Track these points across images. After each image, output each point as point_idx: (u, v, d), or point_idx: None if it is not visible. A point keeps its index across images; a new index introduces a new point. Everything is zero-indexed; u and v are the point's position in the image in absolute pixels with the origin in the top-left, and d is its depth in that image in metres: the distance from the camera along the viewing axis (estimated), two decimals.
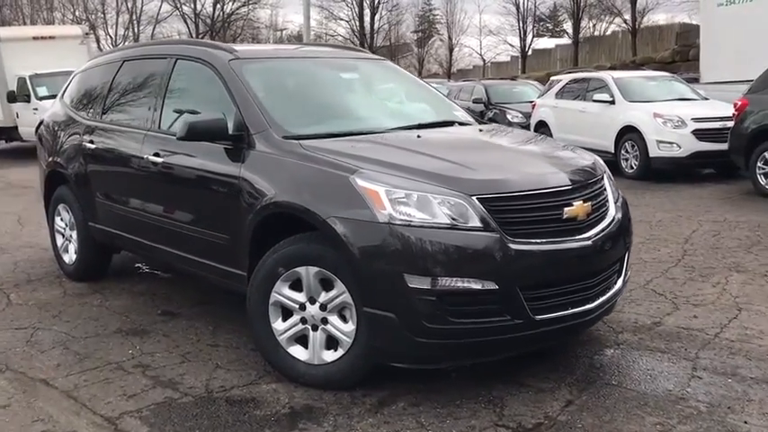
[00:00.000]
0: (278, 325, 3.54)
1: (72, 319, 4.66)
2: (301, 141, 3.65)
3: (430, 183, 3.21)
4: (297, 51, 5.12)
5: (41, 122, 6.02)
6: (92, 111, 5.24)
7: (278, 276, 3.48)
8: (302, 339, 3.52)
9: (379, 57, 5.18)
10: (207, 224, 4.01)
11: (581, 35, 38.78)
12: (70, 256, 5.57)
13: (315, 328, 3.45)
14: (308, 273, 3.40)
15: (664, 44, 33.33)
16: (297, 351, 3.51)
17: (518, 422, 3.08)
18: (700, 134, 10.24)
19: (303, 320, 3.47)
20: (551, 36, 45.96)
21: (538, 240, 3.21)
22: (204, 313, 4.67)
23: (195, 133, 3.80)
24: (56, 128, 5.67)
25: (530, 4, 42.43)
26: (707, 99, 11.79)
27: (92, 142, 5.03)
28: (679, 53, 28.16)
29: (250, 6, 47.41)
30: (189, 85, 4.52)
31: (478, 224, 3.10)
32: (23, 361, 3.95)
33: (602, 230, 3.48)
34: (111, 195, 4.89)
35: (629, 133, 10.95)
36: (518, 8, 42.70)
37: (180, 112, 4.32)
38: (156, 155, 4.32)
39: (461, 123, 4.41)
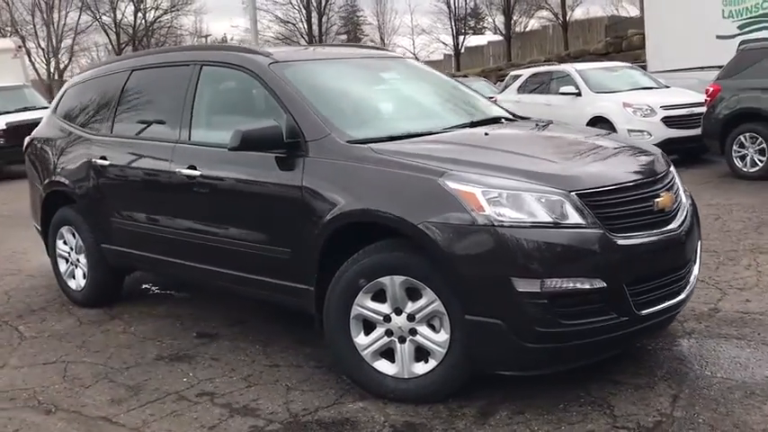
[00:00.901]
0: (360, 339, 3.35)
1: (101, 348, 4.33)
2: (370, 146, 3.46)
3: (525, 180, 3.08)
4: (327, 52, 4.90)
5: (31, 141, 5.62)
6: (99, 125, 4.90)
7: (359, 288, 3.29)
8: (387, 353, 3.34)
9: (398, 54, 5.02)
10: (261, 238, 3.78)
11: (511, 31, 39.38)
12: (78, 282, 5.20)
13: (402, 340, 3.27)
14: (393, 283, 3.22)
15: (594, 36, 34.19)
16: (383, 365, 3.33)
17: (636, 422, 2.99)
18: (669, 121, 10.47)
19: (388, 333, 3.30)
20: (474, 34, 46.58)
21: (636, 234, 3.13)
22: (245, 332, 4.43)
23: (249, 143, 3.57)
24: (53, 145, 5.29)
25: (461, 2, 42.78)
26: (668, 87, 12.07)
27: (104, 158, 4.70)
28: (612, 45, 28.93)
29: (173, 14, 46.39)
30: (221, 93, 4.28)
31: (580, 221, 3.00)
32: (70, 399, 3.63)
33: (684, 219, 3.43)
34: (131, 214, 4.57)
35: (598, 123, 11.08)
36: (449, 6, 43.04)
37: (218, 122, 4.08)
38: (192, 168, 4.05)
39: (507, 119, 4.30)
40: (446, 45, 45.11)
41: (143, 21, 46.26)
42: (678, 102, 10.74)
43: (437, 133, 3.76)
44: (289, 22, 41.05)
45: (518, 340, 2.97)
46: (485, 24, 44.91)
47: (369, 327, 3.35)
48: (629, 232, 3.11)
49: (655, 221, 3.24)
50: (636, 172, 3.34)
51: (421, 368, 3.26)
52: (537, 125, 4.20)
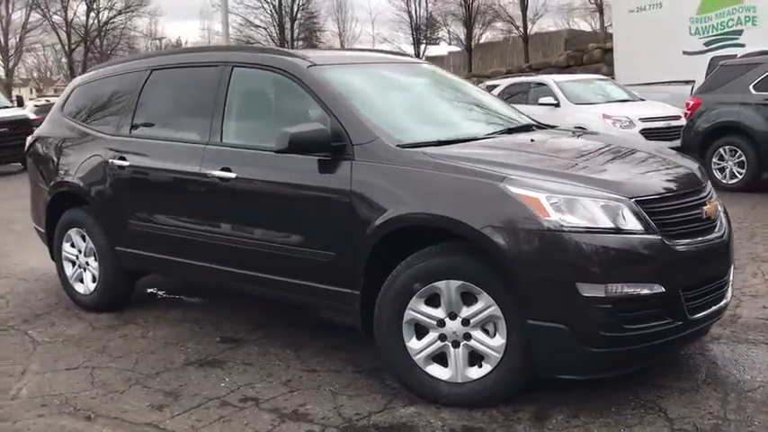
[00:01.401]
0: (413, 344, 3.34)
1: (124, 354, 4.22)
2: (423, 150, 3.47)
3: (585, 186, 3.13)
4: (357, 56, 4.88)
5: (35, 140, 5.45)
6: (115, 125, 4.77)
7: (414, 292, 3.29)
8: (439, 357, 3.34)
9: (420, 60, 5.03)
10: (303, 241, 3.74)
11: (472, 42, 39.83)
12: (87, 286, 5.05)
13: (456, 344, 3.28)
14: (448, 287, 3.23)
15: (553, 49, 34.83)
16: (435, 370, 3.33)
17: (692, 424, 3.06)
18: (647, 133, 10.74)
19: (442, 337, 3.30)
20: (429, 44, 47.03)
21: (689, 240, 3.21)
22: (271, 337, 4.37)
23: (296, 145, 3.54)
24: (61, 145, 5.15)
25: (422, 11, 43.09)
26: (643, 100, 12.38)
27: (123, 159, 4.59)
28: (573, 57, 29.43)
29: (127, 15, 45.60)
30: (256, 95, 4.23)
31: (640, 227, 3.05)
32: (107, 405, 3.53)
33: (725, 226, 3.53)
34: (152, 216, 4.47)
35: None
36: (410, 15, 43.34)
37: (254, 124, 4.04)
38: (226, 170, 3.99)
39: (538, 126, 4.36)
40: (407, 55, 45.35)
41: (96, 21, 45.42)
42: (655, 114, 11.03)
43: (482, 139, 3.79)
44: (260, 26, 40.79)
45: (582, 345, 3.00)
46: (439, 35, 45.46)
47: (421, 331, 3.35)
48: (682, 239, 3.18)
49: (703, 228, 3.32)
50: (685, 181, 3.42)
51: (475, 372, 3.27)
52: (573, 133, 4.27)
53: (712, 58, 12.63)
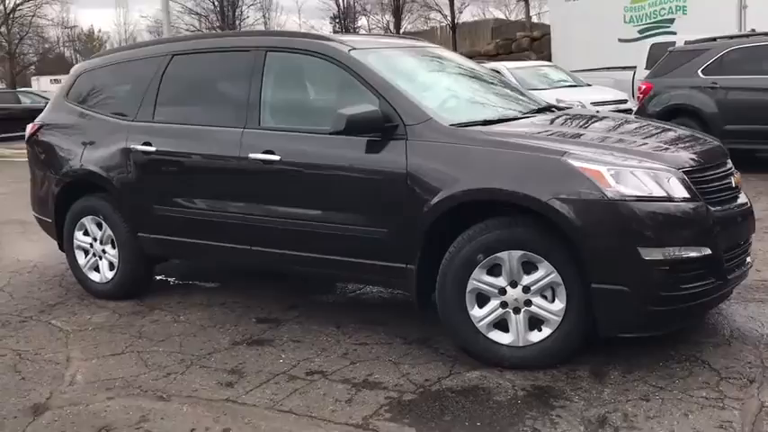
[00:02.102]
0: (476, 312, 3.54)
1: (164, 338, 4.25)
2: (479, 128, 3.66)
3: (638, 159, 3.40)
4: (385, 41, 4.99)
5: (38, 128, 5.33)
6: (134, 111, 4.74)
7: (476, 264, 3.49)
8: (500, 324, 3.55)
9: (430, 44, 5.19)
10: (353, 219, 3.87)
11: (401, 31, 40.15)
12: (103, 275, 5.01)
13: (517, 310, 3.50)
14: (510, 257, 3.44)
15: (481, 38, 35.55)
16: (497, 336, 3.54)
17: (738, 372, 3.38)
18: None
19: (503, 304, 3.51)
20: (347, 32, 47.11)
21: (724, 207, 3.52)
22: (307, 315, 4.48)
23: (352, 126, 3.67)
24: (71, 132, 5.07)
25: (351, 1, 43.07)
26: (589, 85, 12.94)
27: (148, 144, 4.58)
28: (502, 46, 30.17)
29: (35, 2, 43.62)
30: (294, 79, 4.30)
31: (687, 195, 3.34)
32: (174, 385, 3.58)
33: (745, 196, 3.87)
34: (183, 201, 4.49)
35: None
36: (338, 5, 43.29)
37: (295, 107, 4.12)
38: (269, 152, 4.07)
39: (557, 108, 4.61)
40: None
41: (2, 8, 43.29)
42: (605, 98, 11.56)
43: (522, 118, 4.01)
44: (201, 14, 39.80)
45: (642, 304, 3.27)
46: (359, 24, 45.71)
47: (481, 300, 3.55)
48: (719, 205, 3.49)
49: (732, 197, 3.65)
50: (715, 154, 3.74)
51: (536, 336, 3.49)
52: (597, 113, 4.54)
53: (652, 45, 13.29)
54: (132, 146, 4.65)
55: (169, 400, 3.41)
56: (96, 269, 5.07)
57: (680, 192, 3.33)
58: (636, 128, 4.10)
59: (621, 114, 5.20)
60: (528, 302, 3.48)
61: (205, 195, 4.41)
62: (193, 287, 5.28)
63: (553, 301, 3.45)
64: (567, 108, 4.75)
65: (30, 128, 5.43)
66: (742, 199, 3.73)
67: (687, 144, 3.79)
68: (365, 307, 4.69)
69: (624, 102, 11.50)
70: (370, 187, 3.81)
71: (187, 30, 36.63)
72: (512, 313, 3.51)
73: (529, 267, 3.46)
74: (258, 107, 4.21)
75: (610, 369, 3.49)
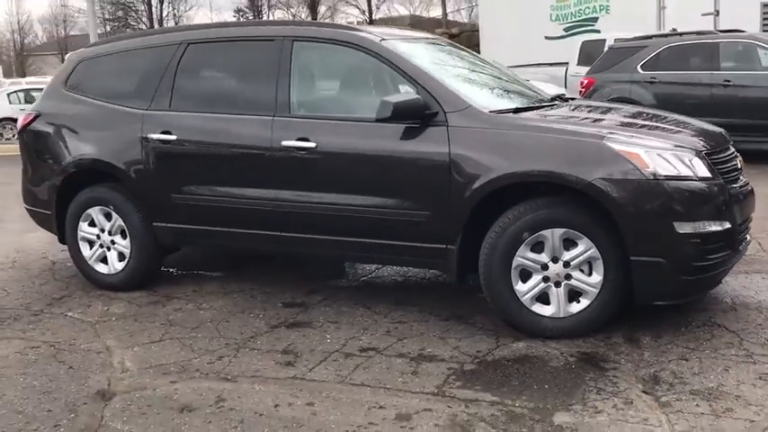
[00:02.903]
0: (520, 287, 3.79)
1: (198, 324, 4.28)
2: (519, 115, 3.91)
3: (667, 142, 3.74)
4: (402, 33, 5.11)
5: (33, 117, 5.19)
6: (147, 100, 4.72)
7: (522, 241, 3.73)
8: (541, 297, 3.81)
9: (437, 36, 5.41)
10: (394, 204, 4.03)
11: None
12: (112, 266, 4.96)
13: (558, 284, 3.77)
14: (553, 235, 3.71)
15: None
16: (539, 308, 3.80)
17: (755, 334, 3.77)
18: None
19: (545, 279, 3.78)
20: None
21: (734, 185, 3.91)
22: (332, 298, 4.62)
23: (398, 113, 3.84)
24: (74, 122, 4.98)
25: None
26: (527, 80, 13.44)
27: (167, 133, 4.58)
28: None
29: None
30: (324, 68, 4.42)
31: (710, 174, 3.70)
32: (232, 367, 3.64)
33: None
34: (206, 189, 4.52)
35: None
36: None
37: (327, 96, 4.24)
38: (303, 139, 4.18)
39: (565, 99, 4.92)
40: None
41: None
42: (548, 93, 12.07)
43: (547, 107, 4.29)
44: (127, 5, 38.24)
45: (676, 274, 3.61)
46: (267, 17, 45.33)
47: (524, 275, 3.81)
48: (732, 184, 3.88)
49: (738, 177, 4.05)
50: (722, 138, 4.14)
51: (575, 307, 3.78)
52: (608, 104, 4.88)
53: (584, 42, 13.99)
54: (149, 135, 4.63)
55: (236, 381, 3.48)
56: (103, 261, 5.01)
57: (702, 171, 3.68)
58: (649, 115, 4.46)
59: (627, 105, 5.56)
60: (568, 276, 3.75)
61: (232, 183, 4.46)
62: (201, 277, 5.29)
63: (590, 274, 3.74)
64: (573, 99, 5.07)
65: (23, 118, 5.28)
66: (744, 180, 4.14)
67: (697, 130, 4.17)
68: (385, 289, 4.87)
69: (563, 96, 12.04)
70: (411, 172, 3.99)
71: (113, 21, 35.31)
72: (553, 287, 3.78)
73: (568, 244, 3.73)
74: (288, 95, 4.30)
75: (640, 335, 3.81)
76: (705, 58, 9.80)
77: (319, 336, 4.02)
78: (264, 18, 43.42)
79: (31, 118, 5.19)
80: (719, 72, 9.53)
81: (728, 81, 9.41)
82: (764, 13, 14.05)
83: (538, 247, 3.76)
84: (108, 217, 4.91)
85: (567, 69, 13.85)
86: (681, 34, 10.36)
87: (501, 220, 3.78)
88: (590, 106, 4.73)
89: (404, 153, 4.00)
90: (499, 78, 4.85)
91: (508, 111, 4.03)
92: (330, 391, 3.32)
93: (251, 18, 45.54)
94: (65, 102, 5.10)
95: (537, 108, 4.25)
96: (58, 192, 5.02)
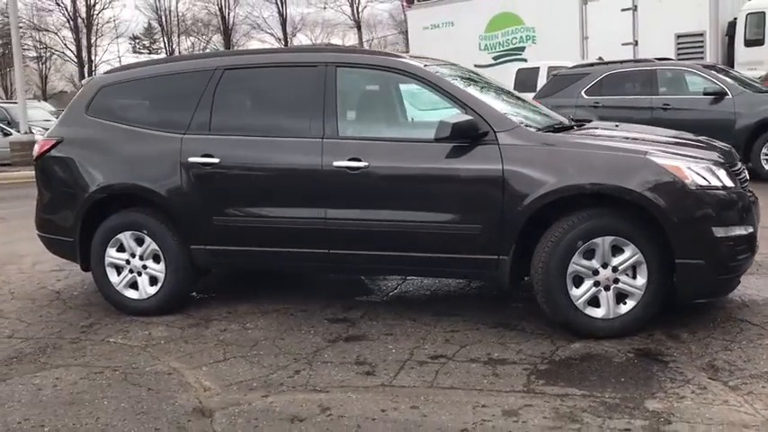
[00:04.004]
0: (574, 292, 4.11)
1: (253, 344, 4.34)
2: (565, 134, 4.26)
3: (698, 156, 4.17)
4: (428, 59, 5.38)
5: (54, 144, 5.11)
6: (184, 124, 4.77)
7: (576, 249, 4.06)
8: (592, 301, 4.14)
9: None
10: (447, 219, 4.27)
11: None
12: (144, 290, 4.93)
13: (607, 288, 4.11)
14: (604, 242, 4.06)
15: None
16: (591, 311, 4.13)
17: None
18: None
19: (596, 284, 4.11)
20: (149, 53, 46.47)
21: (749, 194, 4.39)
22: (373, 312, 4.79)
23: (456, 133, 4.12)
24: (101, 147, 4.96)
25: (174, 18, 42.07)
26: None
27: (209, 156, 4.66)
28: None
29: None
30: (369, 92, 4.62)
31: (732, 184, 4.15)
32: (313, 380, 3.75)
33: None
34: (255, 210, 4.62)
35: None
36: (161, 23, 42.14)
37: (376, 117, 4.47)
38: (355, 160, 4.37)
39: (580, 122, 5.32)
40: None
41: None
42: None
43: (576, 127, 4.66)
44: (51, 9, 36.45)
45: (714, 274, 4.02)
46: (159, 45, 45.08)
47: (576, 281, 4.13)
48: (746, 193, 4.36)
49: (747, 187, 4.54)
50: (732, 154, 4.62)
51: (623, 309, 4.12)
52: (628, 125, 5.31)
53: (519, 70, 14.74)
54: (189, 158, 4.69)
55: (328, 392, 3.60)
56: (132, 286, 4.98)
57: (728, 181, 4.13)
58: (669, 134, 4.92)
59: (639, 125, 6.03)
60: (616, 280, 4.10)
61: (279, 203, 4.58)
62: (226, 298, 5.30)
63: (635, 277, 4.11)
64: (590, 121, 5.51)
65: (41, 144, 5.19)
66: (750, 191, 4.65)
67: (714, 146, 4.64)
68: (419, 303, 5.08)
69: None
70: (463, 188, 4.26)
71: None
72: (603, 291, 4.11)
73: (615, 250, 4.09)
74: (335, 118, 4.49)
75: (678, 332, 4.20)
76: (644, 84, 10.61)
77: (382, 347, 4.18)
78: (174, 45, 42.89)
79: (51, 144, 5.12)
80: (659, 96, 10.34)
81: (668, 104, 10.23)
82: (679, 44, 15.27)
83: (588, 254, 4.09)
84: (139, 242, 4.90)
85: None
86: (622, 62, 11.16)
87: (555, 230, 4.09)
88: (613, 126, 5.15)
89: (455, 170, 4.26)
90: (521, 100, 5.20)
91: (548, 129, 4.37)
92: (426, 395, 3.50)
93: (146, 45, 45.12)
94: (88, 127, 5.07)
95: (570, 128, 4.61)
96: (84, 218, 4.96)
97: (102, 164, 4.94)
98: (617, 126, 4.92)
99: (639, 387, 3.48)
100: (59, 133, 5.17)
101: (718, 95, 9.82)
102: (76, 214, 4.98)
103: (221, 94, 4.78)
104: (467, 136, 4.18)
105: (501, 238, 4.19)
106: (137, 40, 45.20)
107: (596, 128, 4.78)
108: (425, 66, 4.52)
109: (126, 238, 4.91)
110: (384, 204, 4.40)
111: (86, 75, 18.06)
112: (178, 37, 43.67)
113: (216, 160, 4.65)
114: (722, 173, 4.12)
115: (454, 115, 4.21)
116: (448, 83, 4.41)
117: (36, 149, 5.25)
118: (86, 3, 17.76)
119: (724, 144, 4.83)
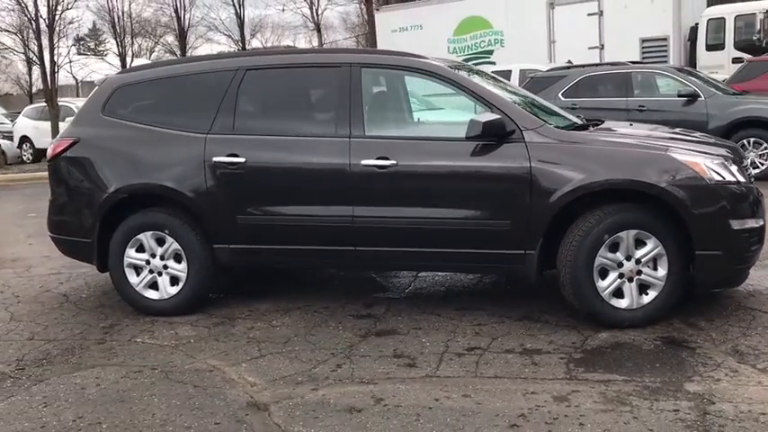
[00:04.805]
0: (600, 284, 4.27)
1: (286, 340, 4.39)
2: (587, 132, 4.43)
3: (714, 153, 4.38)
4: (449, 60, 5.47)
5: (71, 144, 5.06)
6: (207, 124, 4.78)
7: (602, 243, 4.23)
8: (616, 292, 4.31)
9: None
10: (477, 215, 4.40)
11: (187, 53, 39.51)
12: (164, 291, 4.93)
13: (630, 279, 4.29)
14: (628, 235, 4.23)
15: None
16: (616, 302, 4.30)
17: None
18: None
19: (620, 276, 4.29)
20: (95, 55, 45.74)
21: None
22: (396, 309, 4.88)
23: (486, 132, 4.25)
24: (120, 147, 4.95)
25: (127, 22, 41.29)
26: (442, 108, 14.22)
27: (235, 156, 4.69)
28: None
29: None
30: (395, 91, 4.73)
31: (744, 179, 4.38)
32: (360, 372, 3.84)
33: None
34: (282, 208, 4.67)
35: None
36: (113, 24, 41.30)
37: (401, 117, 4.57)
38: (383, 158, 4.46)
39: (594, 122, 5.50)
40: (111, 65, 43.22)
41: None
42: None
43: (593, 125, 4.84)
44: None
45: (731, 264, 4.24)
46: (106, 47, 44.32)
47: (602, 273, 4.29)
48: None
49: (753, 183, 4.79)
50: (739, 151, 4.86)
51: (646, 299, 4.31)
52: (646, 124, 5.51)
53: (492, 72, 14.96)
54: (214, 158, 4.71)
55: (376, 384, 3.69)
56: (152, 286, 4.97)
57: (741, 177, 4.35)
58: (679, 131, 5.14)
59: (648, 124, 6.24)
60: (639, 272, 4.28)
61: (306, 201, 4.64)
62: (242, 297, 5.30)
63: (656, 269, 4.29)
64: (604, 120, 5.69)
65: (56, 145, 5.14)
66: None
67: (723, 143, 4.88)
68: (437, 298, 5.18)
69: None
70: (492, 185, 4.39)
71: None
72: (627, 282, 4.29)
73: (638, 243, 4.27)
74: (362, 117, 4.57)
75: (695, 320, 4.40)
76: (619, 87, 10.93)
77: (415, 341, 4.28)
78: (128, 46, 42.12)
79: (67, 144, 5.07)
80: (634, 98, 10.68)
81: (643, 106, 10.56)
82: (643, 48, 15.76)
83: (613, 247, 4.26)
84: (160, 242, 4.90)
85: None
86: (598, 65, 11.48)
87: (582, 224, 4.25)
88: (627, 124, 5.35)
89: (483, 168, 4.39)
90: (536, 100, 5.37)
91: (570, 128, 4.54)
92: (473, 384, 3.62)
93: (92, 47, 44.05)
94: (106, 127, 5.04)
95: (586, 127, 4.79)
96: (103, 218, 4.94)
97: (123, 164, 4.92)
98: (631, 125, 5.13)
99: (675, 372, 3.66)
100: (75, 133, 5.13)
101: (692, 97, 10.18)
102: (95, 215, 4.95)
103: (244, 94, 4.82)
104: (495, 134, 4.31)
105: (528, 233, 4.34)
106: (81, 42, 44.24)
107: (614, 127, 4.97)
108: (449, 66, 4.63)
109: (147, 238, 4.90)
110: (412, 202, 4.50)
111: (48, 76, 17.68)
112: (132, 38, 42.90)
113: (242, 160, 4.68)
114: (734, 168, 4.34)
115: (483, 114, 4.34)
116: (473, 83, 4.55)
117: (50, 150, 5.19)
118: (48, 3, 17.37)
119: (731, 143, 5.08)
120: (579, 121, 4.98)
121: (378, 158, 4.47)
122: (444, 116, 6.59)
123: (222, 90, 4.84)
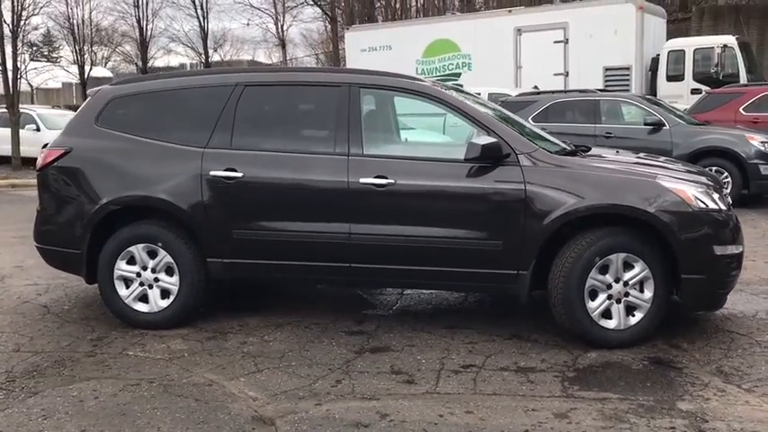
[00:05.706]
0: (590, 305, 4.42)
1: (280, 355, 4.42)
2: (578, 157, 4.59)
3: (697, 181, 4.59)
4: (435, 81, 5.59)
5: (62, 154, 5.02)
6: (204, 139, 4.81)
7: (593, 265, 4.38)
8: (605, 313, 4.46)
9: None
10: (469, 235, 4.50)
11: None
12: (155, 303, 4.91)
13: (618, 301, 4.45)
14: (617, 258, 4.39)
15: None
16: (605, 322, 4.45)
17: (765, 334, 4.68)
18: None
19: (609, 297, 4.44)
20: (48, 61, 45.06)
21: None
22: (386, 326, 4.94)
23: (485, 154, 4.37)
24: (113, 159, 4.93)
25: (87, 30, 40.63)
26: (413, 128, 14.38)
27: (232, 170, 4.72)
28: None
29: None
30: (392, 112, 4.81)
31: (725, 207, 4.59)
32: (360, 388, 3.89)
33: None
34: (278, 224, 4.70)
35: None
36: (73, 32, 40.58)
37: (399, 138, 4.65)
38: (381, 177, 4.55)
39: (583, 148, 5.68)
40: (69, 72, 42.45)
41: None
42: (436, 141, 13.03)
43: (582, 151, 5.01)
44: None
45: (714, 288, 4.43)
46: (61, 54, 43.70)
47: (592, 295, 4.44)
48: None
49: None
50: (717, 180, 5.09)
51: (632, 320, 4.47)
52: (627, 152, 5.70)
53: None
54: (212, 172, 4.73)
55: (378, 399, 3.74)
56: (141, 299, 4.94)
57: (722, 205, 4.56)
58: (662, 160, 5.35)
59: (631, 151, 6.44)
60: (627, 294, 4.44)
61: (302, 217, 4.69)
62: (230, 312, 5.30)
63: (642, 291, 4.46)
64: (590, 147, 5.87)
65: (47, 155, 5.09)
66: None
67: (703, 172, 5.10)
68: (425, 316, 5.26)
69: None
70: (487, 206, 4.50)
71: None
72: (615, 303, 4.44)
73: (626, 266, 4.43)
74: (360, 136, 4.66)
75: (677, 342, 4.58)
76: (587, 113, 11.26)
77: (411, 357, 4.35)
78: (86, 55, 41.48)
79: (58, 154, 5.03)
80: (602, 125, 11.00)
81: (610, 133, 10.89)
82: (606, 76, 16.23)
83: (603, 269, 4.41)
84: (152, 254, 4.88)
85: (445, 119, 14.96)
86: (566, 92, 11.79)
87: (574, 247, 4.39)
88: (618, 152, 5.53)
89: (479, 189, 4.51)
90: (526, 124, 5.53)
91: (562, 153, 4.70)
92: (474, 401, 3.71)
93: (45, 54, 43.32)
94: (98, 138, 5.02)
95: (575, 153, 4.95)
96: (94, 230, 4.90)
97: (116, 175, 4.90)
98: (618, 152, 5.32)
99: (666, 391, 3.81)
100: (67, 143, 5.08)
101: (657, 126, 10.55)
102: (86, 226, 4.91)
103: (242, 109, 4.86)
104: (492, 157, 4.44)
105: (522, 253, 4.46)
106: (34, 48, 43.51)
107: (603, 154, 5.15)
108: (445, 89, 4.76)
109: (138, 250, 4.88)
110: (408, 220, 4.58)
111: (11, 83, 17.24)
112: (91, 46, 42.27)
113: (239, 174, 4.71)
114: (716, 196, 4.55)
115: (481, 137, 4.47)
116: (470, 106, 4.68)
117: (40, 160, 5.14)
118: (13, 9, 16.93)
119: (708, 171, 5.31)
120: (568, 147, 5.15)
121: (376, 177, 4.56)
122: (434, 137, 6.72)
123: (220, 105, 4.88)
